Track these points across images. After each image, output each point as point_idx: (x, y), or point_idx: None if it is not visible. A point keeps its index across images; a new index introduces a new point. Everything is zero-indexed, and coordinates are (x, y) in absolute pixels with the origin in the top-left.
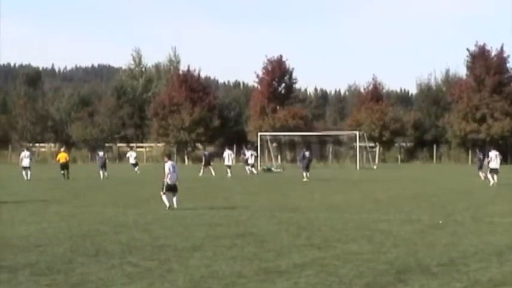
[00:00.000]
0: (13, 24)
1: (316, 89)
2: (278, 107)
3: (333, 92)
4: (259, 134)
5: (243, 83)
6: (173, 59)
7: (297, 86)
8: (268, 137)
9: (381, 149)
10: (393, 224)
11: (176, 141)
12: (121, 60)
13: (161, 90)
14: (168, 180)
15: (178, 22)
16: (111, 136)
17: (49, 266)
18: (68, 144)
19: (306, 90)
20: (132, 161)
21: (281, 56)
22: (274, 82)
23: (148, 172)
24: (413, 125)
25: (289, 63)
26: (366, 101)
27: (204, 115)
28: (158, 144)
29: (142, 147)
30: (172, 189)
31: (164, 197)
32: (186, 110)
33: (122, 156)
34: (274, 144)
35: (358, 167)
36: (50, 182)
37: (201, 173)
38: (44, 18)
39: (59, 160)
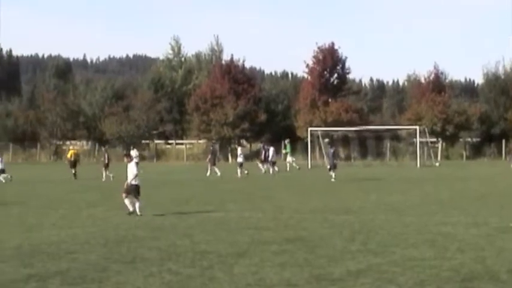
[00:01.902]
0: (42, 12)
1: (371, 80)
2: (330, 100)
3: (390, 83)
4: (310, 129)
5: (292, 74)
6: (215, 48)
7: (350, 76)
8: (319, 133)
9: (444, 144)
10: (458, 227)
11: (219, 138)
12: (158, 50)
13: (202, 82)
14: (133, 181)
15: (221, 8)
16: (148, 133)
17: (81, 274)
18: (101, 141)
19: (360, 81)
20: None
21: (333, 44)
22: (325, 72)
23: (189, 171)
24: (479, 118)
25: (342, 52)
26: (427, 92)
27: (249, 109)
28: (199, 141)
29: (182, 144)
30: (136, 191)
31: (127, 201)
32: (230, 104)
33: (159, 155)
34: (326, 140)
35: (418, 165)
36: (82, 183)
37: (218, 173)
38: (74, 6)
39: (70, 157)
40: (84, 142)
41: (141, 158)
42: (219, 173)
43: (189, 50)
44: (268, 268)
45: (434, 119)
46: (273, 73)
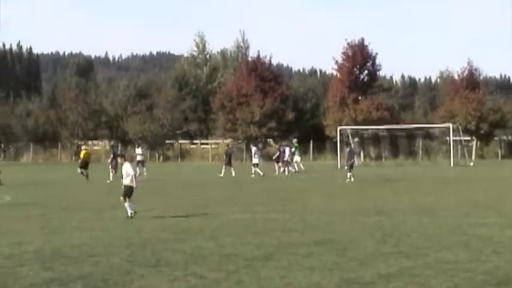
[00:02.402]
0: (62, 9)
1: (403, 77)
2: (360, 97)
3: (422, 80)
4: (339, 127)
5: (320, 71)
6: (241, 44)
7: (381, 73)
8: (349, 131)
9: (478, 143)
10: (493, 229)
11: (245, 137)
12: (182, 47)
13: (228, 80)
14: (129, 183)
15: (247, 3)
16: (172, 132)
17: (104, 278)
18: (124, 141)
19: (391, 78)
20: (138, 158)
21: (363, 40)
22: (355, 69)
23: (214, 172)
24: None
25: (372, 48)
26: (461, 89)
27: (276, 107)
28: (225, 141)
29: (207, 144)
30: (128, 192)
31: (127, 204)
32: (256, 102)
33: (184, 155)
34: (356, 139)
35: (452, 164)
36: (104, 184)
37: (221, 174)
38: (96, 2)
39: (83, 157)
40: (106, 142)
41: (165, 158)
42: (222, 174)
43: (214, 46)
44: (296, 272)
45: (468, 116)
46: (301, 70)
